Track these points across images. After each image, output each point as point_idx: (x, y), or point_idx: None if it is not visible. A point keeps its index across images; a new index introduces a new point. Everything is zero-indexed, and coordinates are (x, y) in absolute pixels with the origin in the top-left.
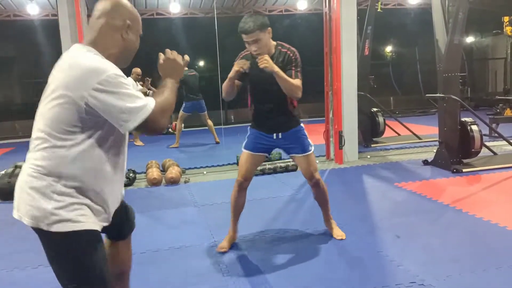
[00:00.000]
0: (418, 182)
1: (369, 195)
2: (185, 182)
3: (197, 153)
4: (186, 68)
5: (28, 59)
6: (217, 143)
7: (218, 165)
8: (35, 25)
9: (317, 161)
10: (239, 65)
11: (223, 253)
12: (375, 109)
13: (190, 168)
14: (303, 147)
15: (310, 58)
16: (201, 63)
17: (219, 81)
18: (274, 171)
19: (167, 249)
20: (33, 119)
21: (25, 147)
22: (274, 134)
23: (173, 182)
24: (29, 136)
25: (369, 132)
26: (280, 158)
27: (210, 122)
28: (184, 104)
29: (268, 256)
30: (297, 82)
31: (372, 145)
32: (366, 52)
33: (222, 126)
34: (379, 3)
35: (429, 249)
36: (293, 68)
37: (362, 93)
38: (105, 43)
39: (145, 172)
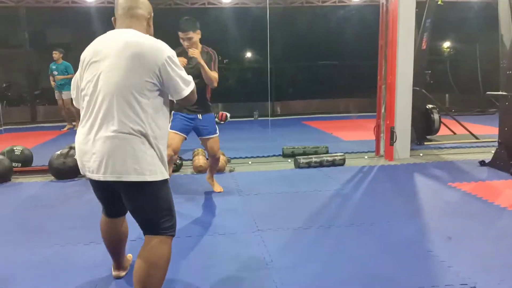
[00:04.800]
0: (473, 183)
1: (419, 194)
2: (230, 171)
3: (242, 143)
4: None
5: (83, 45)
6: None
7: (264, 156)
8: (91, 12)
9: (366, 157)
10: (183, 61)
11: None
12: (430, 106)
13: (235, 158)
14: (215, 130)
15: (362, 52)
16: (250, 55)
17: (268, 72)
18: (320, 164)
19: (211, 235)
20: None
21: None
22: (199, 115)
23: (218, 170)
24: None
25: (423, 129)
26: (327, 152)
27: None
28: None
29: (311, 248)
30: (215, 74)
31: (425, 143)
32: (424, 46)
33: (269, 118)
34: None
35: (482, 252)
36: (213, 63)
37: (417, 88)
38: (139, 29)
39: (191, 160)
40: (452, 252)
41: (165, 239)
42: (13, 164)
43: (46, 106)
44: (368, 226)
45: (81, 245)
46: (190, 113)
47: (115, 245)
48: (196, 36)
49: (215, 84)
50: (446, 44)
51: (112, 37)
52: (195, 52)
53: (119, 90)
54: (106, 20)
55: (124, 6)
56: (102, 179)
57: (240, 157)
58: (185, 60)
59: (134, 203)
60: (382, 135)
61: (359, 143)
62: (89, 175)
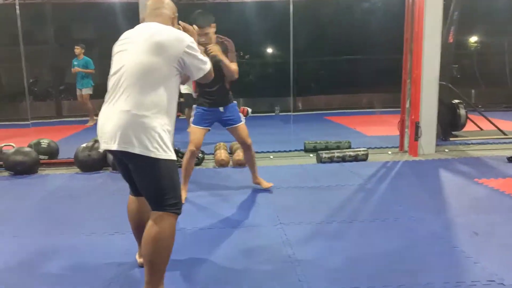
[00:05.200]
0: (501, 179)
1: (445, 189)
2: None
3: (264, 138)
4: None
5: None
6: None
7: (285, 151)
8: (116, 8)
9: (389, 152)
10: None
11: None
12: (456, 101)
13: (257, 152)
14: (239, 118)
15: (386, 46)
16: (272, 49)
17: (291, 67)
18: (343, 159)
19: (233, 228)
20: None
21: None
22: (221, 108)
23: (240, 164)
24: None
25: (449, 125)
26: (350, 147)
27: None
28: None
29: (334, 242)
30: (235, 65)
31: (451, 139)
32: (450, 39)
33: (292, 113)
34: None
35: (509, 248)
36: (230, 53)
37: (444, 82)
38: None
39: (213, 153)
40: (479, 248)
41: (168, 215)
42: (40, 156)
43: (71, 101)
44: (392, 221)
45: (107, 235)
46: (211, 106)
47: (139, 225)
48: (212, 30)
49: (236, 76)
50: (473, 37)
51: (139, 27)
52: (214, 49)
53: (139, 73)
54: (130, 16)
55: (151, 7)
56: (113, 148)
57: (262, 152)
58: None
59: (139, 177)
60: (406, 130)
61: (382, 138)
62: (104, 146)
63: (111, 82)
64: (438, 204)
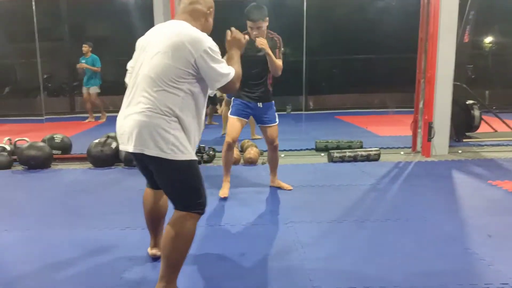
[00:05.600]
0: None
1: (458, 191)
2: (263, 163)
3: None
4: None
5: (121, 38)
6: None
7: (296, 150)
8: (130, 5)
9: (402, 153)
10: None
11: (225, 198)
12: (470, 101)
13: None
14: (274, 118)
15: (399, 45)
16: (285, 48)
17: (303, 65)
18: (354, 159)
19: (244, 225)
20: (121, 95)
21: (114, 119)
22: (260, 103)
23: (251, 162)
24: (118, 110)
25: (462, 126)
26: (361, 147)
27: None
28: None
29: (345, 242)
30: (280, 62)
31: (465, 140)
32: (466, 39)
33: (303, 112)
34: None
35: None
36: (278, 50)
37: (458, 83)
38: (194, 24)
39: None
40: (492, 250)
41: (190, 215)
42: (53, 151)
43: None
44: (404, 222)
45: (118, 229)
46: (251, 100)
47: (154, 218)
48: (265, 24)
49: (279, 73)
50: (489, 38)
51: (162, 26)
52: (263, 43)
53: (155, 73)
54: (145, 13)
55: (186, 2)
56: (130, 150)
57: None
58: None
59: (160, 179)
60: (419, 130)
61: (395, 138)
62: (121, 146)
63: (130, 82)
64: (451, 205)
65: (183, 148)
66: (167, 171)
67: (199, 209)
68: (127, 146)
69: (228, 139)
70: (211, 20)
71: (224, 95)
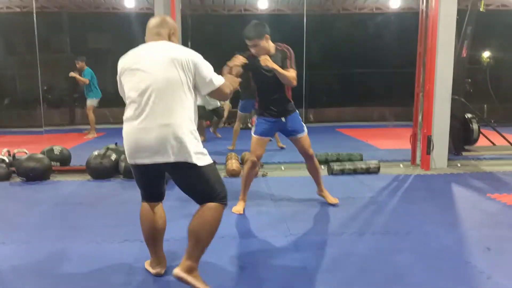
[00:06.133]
0: None
1: (457, 204)
2: (263, 175)
3: (276, 149)
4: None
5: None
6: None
7: (296, 162)
8: (131, 18)
9: (401, 165)
10: (239, 59)
11: (240, 215)
12: (469, 115)
13: (268, 163)
14: (302, 128)
15: (398, 60)
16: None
17: (303, 80)
18: (354, 171)
19: (244, 238)
20: (121, 107)
21: (115, 131)
22: (282, 118)
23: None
24: (119, 122)
25: (461, 139)
26: (361, 160)
27: None
28: (240, 103)
29: (344, 254)
30: (292, 72)
31: (463, 153)
32: (464, 54)
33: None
34: (482, 2)
35: None
36: (288, 60)
37: (456, 97)
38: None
39: (224, 163)
40: (491, 263)
41: (219, 205)
42: (52, 163)
43: (84, 109)
44: (403, 235)
45: (116, 243)
46: (272, 117)
47: (155, 233)
48: (263, 42)
49: (295, 83)
50: (486, 53)
51: (148, 47)
52: (266, 60)
53: (167, 88)
54: (145, 26)
55: (151, 30)
56: (160, 161)
57: (273, 162)
58: (242, 59)
59: (189, 183)
60: (418, 143)
61: (394, 151)
62: (145, 160)
63: (135, 99)
64: (450, 218)
65: (205, 152)
66: (200, 173)
67: (225, 200)
68: (154, 158)
69: (252, 157)
70: (176, 38)
71: (235, 109)
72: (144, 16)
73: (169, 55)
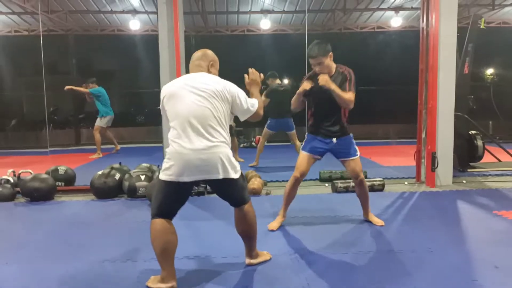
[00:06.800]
0: None
1: (463, 221)
2: (267, 194)
3: (279, 167)
4: (279, 82)
5: (128, 72)
6: None
7: None
8: (136, 40)
9: (406, 183)
10: (306, 85)
11: (273, 231)
12: (473, 132)
13: (272, 181)
14: (354, 151)
15: (400, 78)
16: (288, 80)
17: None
18: None
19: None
20: (129, 127)
21: (122, 150)
22: (334, 139)
23: (254, 193)
24: (126, 142)
25: (466, 156)
26: (366, 177)
27: (298, 143)
28: (268, 121)
29: (349, 273)
30: (350, 95)
31: (469, 170)
32: (466, 70)
33: None
34: (483, 20)
35: None
36: (347, 83)
37: (460, 113)
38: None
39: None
40: (499, 282)
41: (249, 204)
42: (57, 183)
43: (90, 129)
44: (409, 253)
45: (119, 262)
46: (325, 137)
47: (168, 247)
48: (327, 60)
49: (351, 106)
50: (489, 70)
51: (190, 78)
52: (322, 80)
53: (211, 115)
54: (150, 48)
55: (194, 62)
56: (214, 177)
57: (277, 181)
58: (308, 85)
59: (228, 192)
60: (423, 160)
61: (398, 169)
62: (188, 178)
63: (178, 124)
64: (456, 236)
65: (239, 168)
66: (236, 184)
67: (249, 198)
68: (208, 175)
69: (296, 173)
70: (214, 69)
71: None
72: (149, 37)
73: (209, 87)
